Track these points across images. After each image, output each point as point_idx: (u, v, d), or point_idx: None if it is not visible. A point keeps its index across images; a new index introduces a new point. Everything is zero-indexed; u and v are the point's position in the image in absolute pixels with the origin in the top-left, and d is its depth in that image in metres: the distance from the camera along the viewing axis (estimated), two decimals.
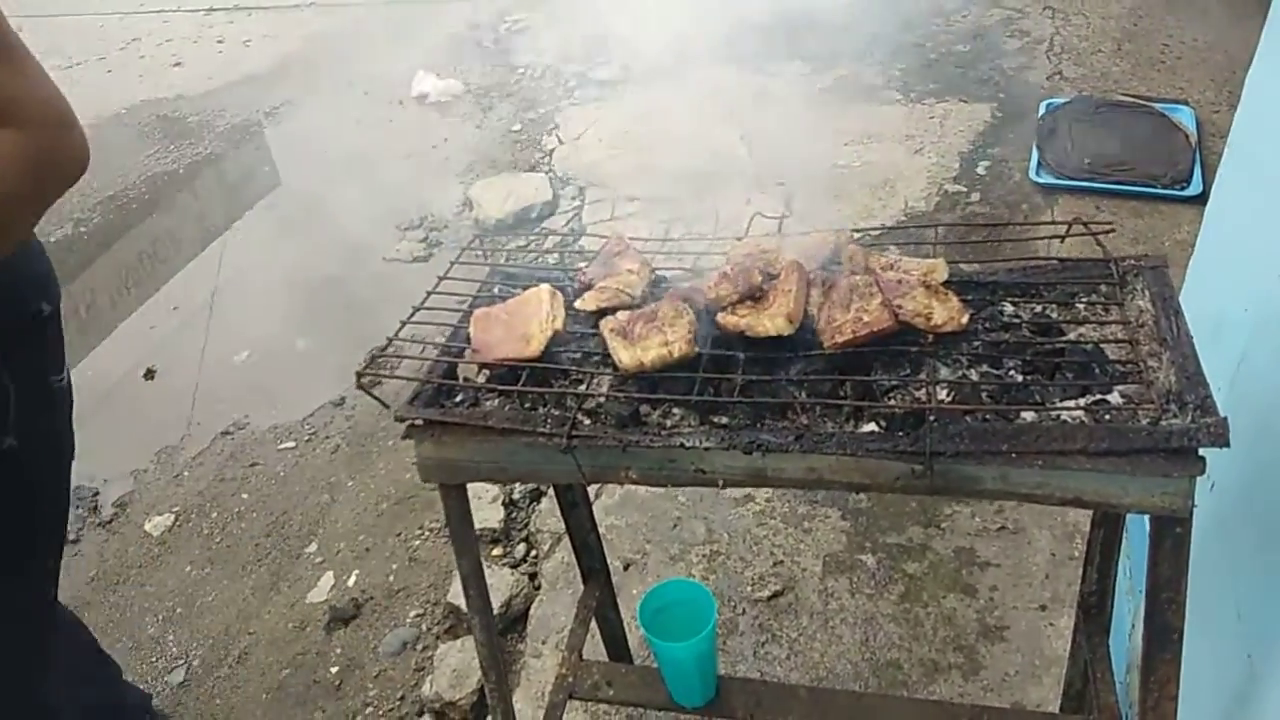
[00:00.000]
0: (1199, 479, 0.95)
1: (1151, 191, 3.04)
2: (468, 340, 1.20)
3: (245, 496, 2.56)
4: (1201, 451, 0.94)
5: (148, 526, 2.49)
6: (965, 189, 3.23)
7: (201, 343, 3.11)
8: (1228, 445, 0.91)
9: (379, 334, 2.91)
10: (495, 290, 1.30)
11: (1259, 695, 1.13)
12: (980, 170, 3.32)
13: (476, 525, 2.37)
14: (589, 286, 1.23)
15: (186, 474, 2.64)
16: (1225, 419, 0.92)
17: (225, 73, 4.86)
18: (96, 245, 3.69)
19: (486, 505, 2.42)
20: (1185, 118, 3.32)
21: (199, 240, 3.70)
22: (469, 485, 1.23)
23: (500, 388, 1.13)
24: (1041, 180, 3.16)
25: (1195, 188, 3.00)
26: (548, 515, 2.37)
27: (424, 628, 2.12)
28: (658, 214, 3.27)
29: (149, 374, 3.00)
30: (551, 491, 2.41)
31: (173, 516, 2.51)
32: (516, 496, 2.46)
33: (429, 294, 1.28)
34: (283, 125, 4.38)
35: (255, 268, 3.46)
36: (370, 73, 4.69)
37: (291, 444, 2.72)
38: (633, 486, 2.37)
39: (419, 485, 2.54)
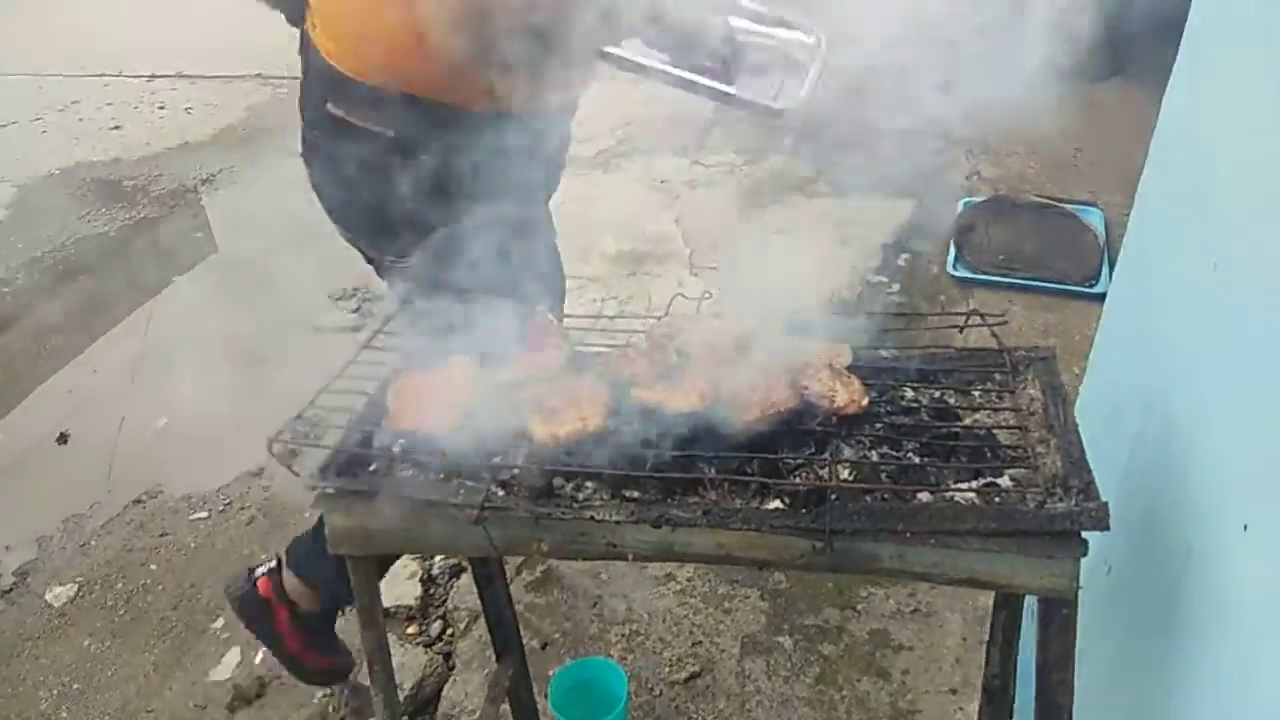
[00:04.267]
0: (1094, 561, 1.00)
1: (1062, 288, 3.19)
2: (386, 410, 1.21)
3: (154, 568, 2.48)
4: (1088, 534, 0.99)
5: (48, 597, 2.39)
6: (886, 280, 3.35)
7: (119, 408, 3.03)
8: (1108, 529, 0.96)
9: (303, 399, 2.86)
10: (416, 361, 1.31)
11: None
12: (901, 263, 3.45)
13: (392, 601, 2.33)
14: (508, 363, 1.26)
15: (94, 542, 2.55)
16: (1106, 503, 0.97)
17: (165, 138, 4.84)
18: (18, 306, 3.61)
19: (404, 581, 2.39)
20: (1095, 218, 3.51)
21: (126, 304, 3.63)
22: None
23: (415, 458, 1.14)
24: (959, 274, 3.29)
25: (1103, 285, 3.16)
26: (466, 592, 2.34)
27: (331, 708, 2.06)
28: (592, 293, 3.32)
29: (62, 438, 2.92)
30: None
31: (76, 587, 2.41)
32: (435, 572, 2.43)
33: (348, 363, 1.29)
34: (221, 192, 4.37)
35: (181, 334, 3.41)
36: None
37: (205, 514, 2.65)
38: (554, 563, 2.37)
39: None
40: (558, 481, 1.12)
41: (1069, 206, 3.58)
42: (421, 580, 2.38)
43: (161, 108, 5.23)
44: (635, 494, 1.09)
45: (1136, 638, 1.22)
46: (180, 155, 4.69)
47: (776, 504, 1.05)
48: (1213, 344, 1.13)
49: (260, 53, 5.84)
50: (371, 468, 1.17)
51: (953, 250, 3.39)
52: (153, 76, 5.61)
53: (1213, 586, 1.01)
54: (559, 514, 1.06)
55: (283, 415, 2.68)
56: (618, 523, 1.05)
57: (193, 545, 2.54)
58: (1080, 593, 1.01)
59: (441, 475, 1.14)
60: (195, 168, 4.54)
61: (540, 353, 1.23)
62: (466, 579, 2.37)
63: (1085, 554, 0.96)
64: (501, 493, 1.11)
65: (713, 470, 1.09)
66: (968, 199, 3.68)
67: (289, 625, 1.85)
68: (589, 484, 1.11)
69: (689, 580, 2.30)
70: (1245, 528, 0.96)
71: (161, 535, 2.58)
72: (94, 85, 5.51)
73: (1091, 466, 1.04)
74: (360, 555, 1.18)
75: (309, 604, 1.85)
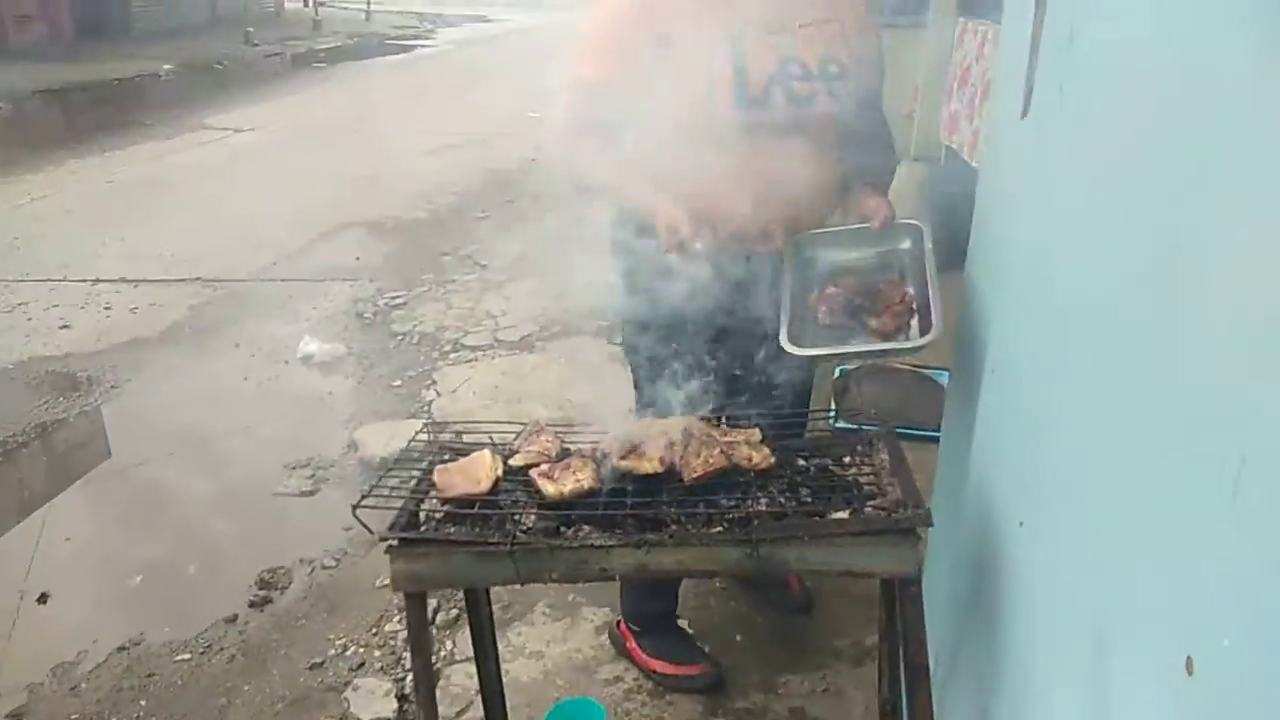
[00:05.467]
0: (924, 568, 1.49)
1: (922, 434, 3.83)
2: (429, 487, 1.66)
3: (144, 703, 2.71)
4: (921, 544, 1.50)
5: None
6: None
7: (96, 568, 3.28)
8: (932, 525, 1.48)
9: (268, 554, 3.32)
10: (446, 457, 1.77)
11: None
12: None
13: (370, 716, 2.63)
14: (516, 453, 1.74)
15: (84, 685, 2.77)
16: (929, 510, 1.50)
17: (113, 335, 5.21)
18: None
19: (380, 699, 2.69)
20: (946, 379, 4.21)
21: (84, 480, 3.90)
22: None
23: (459, 512, 1.59)
24: (840, 425, 3.90)
25: None
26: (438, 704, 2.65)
27: None
28: None
29: (42, 598, 3.14)
30: (442, 683, 2.72)
31: None
32: (407, 690, 2.73)
33: (396, 460, 1.74)
34: (172, 381, 4.73)
35: (148, 499, 3.70)
36: (256, 337, 5.17)
37: (187, 656, 2.90)
38: (515, 673, 2.72)
39: (311, 687, 2.78)
40: (563, 528, 1.58)
41: (925, 370, 4.30)
42: (396, 697, 2.68)
43: (108, 308, 5.61)
44: (619, 531, 1.55)
45: (959, 625, 1.71)
46: (130, 349, 5.05)
47: (718, 529, 1.54)
48: (996, 426, 1.71)
49: (200, 258, 6.37)
50: (422, 527, 1.61)
51: (832, 407, 4.02)
52: (97, 281, 6.02)
53: (1002, 569, 1.53)
54: (567, 545, 1.52)
55: (251, 569, 3.04)
56: (609, 548, 1.51)
57: (179, 682, 2.79)
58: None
59: (476, 529, 1.59)
60: (146, 360, 4.91)
61: (540, 444, 1.72)
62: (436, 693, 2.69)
63: (919, 541, 1.47)
64: (522, 536, 1.56)
65: (673, 510, 1.57)
66: (842, 366, 4.37)
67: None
68: (585, 527, 1.57)
69: (635, 680, 2.68)
70: (1021, 524, 1.50)
71: (149, 676, 2.81)
72: (40, 289, 5.88)
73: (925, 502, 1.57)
74: (415, 592, 1.60)
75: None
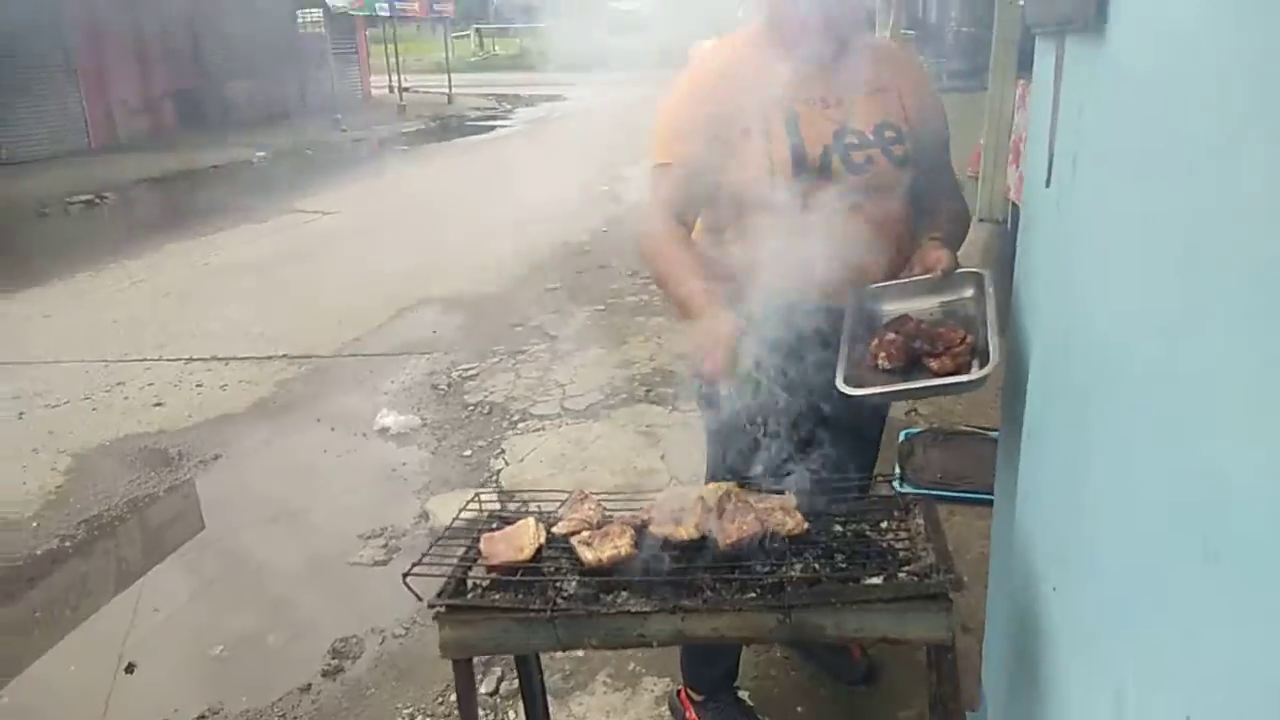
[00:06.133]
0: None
1: (989, 498, 3.76)
2: (477, 555, 1.73)
3: None
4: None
5: None
6: None
7: (181, 638, 3.43)
8: (961, 589, 1.48)
9: (342, 623, 3.41)
10: (494, 525, 1.85)
11: None
12: None
13: None
14: (560, 520, 1.80)
15: None
16: (961, 576, 1.50)
17: (204, 411, 5.47)
18: (79, 557, 4.05)
19: None
20: None
21: (173, 552, 4.09)
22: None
23: (503, 579, 1.65)
24: (904, 490, 3.87)
25: None
26: None
27: None
28: None
29: (129, 668, 3.29)
30: None
31: None
32: None
33: (448, 528, 1.82)
34: (256, 455, 4.94)
35: (232, 570, 3.86)
36: (336, 411, 5.37)
37: None
38: None
39: None
40: (602, 595, 1.62)
41: (992, 433, 4.24)
42: None
43: (199, 386, 5.90)
44: (656, 597, 1.59)
45: (1009, 689, 1.69)
46: (219, 425, 5.30)
47: (752, 595, 1.57)
48: (1033, 489, 1.71)
49: (285, 337, 6.68)
50: (469, 595, 1.68)
51: (898, 470, 3.99)
52: (190, 360, 6.35)
53: (1040, 632, 1.52)
54: (604, 611, 1.57)
55: (325, 638, 3.14)
56: (646, 614, 1.56)
57: None
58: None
59: (520, 595, 1.65)
60: (233, 435, 5.14)
61: (582, 513, 1.78)
62: None
63: (951, 608, 1.48)
64: (563, 603, 1.61)
65: (708, 576, 1.61)
66: (908, 429, 4.34)
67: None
68: (624, 593, 1.62)
69: None
70: (1054, 589, 1.49)
71: None
72: (136, 368, 6.22)
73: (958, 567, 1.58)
74: (463, 658, 1.66)
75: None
